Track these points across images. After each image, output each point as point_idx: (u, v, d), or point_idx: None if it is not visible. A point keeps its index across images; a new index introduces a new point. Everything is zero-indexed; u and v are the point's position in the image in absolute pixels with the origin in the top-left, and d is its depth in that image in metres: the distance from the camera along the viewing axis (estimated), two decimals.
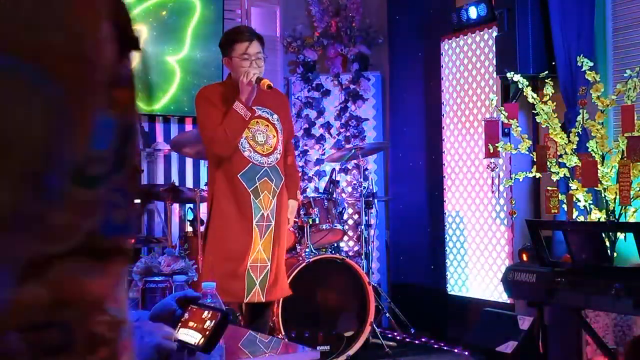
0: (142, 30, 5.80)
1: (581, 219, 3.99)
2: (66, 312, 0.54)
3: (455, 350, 5.13)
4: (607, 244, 3.75)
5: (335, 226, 5.05)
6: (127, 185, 0.59)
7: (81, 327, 0.55)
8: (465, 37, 5.27)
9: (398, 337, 5.41)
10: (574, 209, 3.96)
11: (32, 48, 0.51)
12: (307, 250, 4.76)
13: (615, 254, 3.79)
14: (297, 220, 4.87)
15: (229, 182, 3.74)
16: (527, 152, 4.14)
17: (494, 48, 4.90)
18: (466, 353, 4.89)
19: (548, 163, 3.94)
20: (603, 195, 3.90)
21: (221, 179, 3.77)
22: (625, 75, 3.86)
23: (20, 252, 0.52)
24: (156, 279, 2.11)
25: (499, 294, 4.89)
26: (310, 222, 4.85)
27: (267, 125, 3.82)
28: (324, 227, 4.99)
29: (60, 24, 0.53)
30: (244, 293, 3.72)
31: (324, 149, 6.29)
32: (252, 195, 3.73)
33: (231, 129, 3.66)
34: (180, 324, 1.52)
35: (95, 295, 0.56)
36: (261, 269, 3.77)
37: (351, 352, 4.67)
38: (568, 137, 4.01)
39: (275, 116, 3.84)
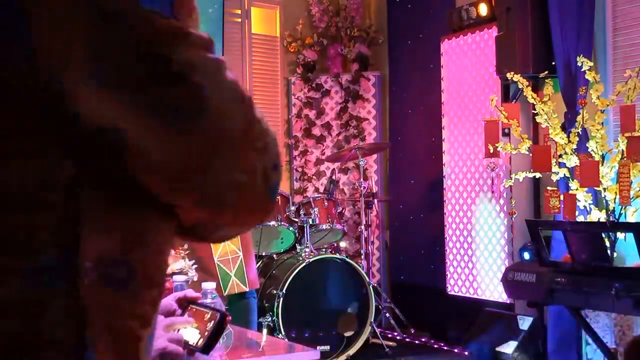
0: None
1: (581, 219, 3.99)
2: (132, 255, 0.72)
3: (455, 350, 5.12)
4: (607, 244, 3.75)
5: (335, 226, 5.04)
6: None
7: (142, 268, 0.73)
8: (465, 37, 5.26)
9: (398, 337, 5.40)
10: (574, 209, 3.96)
11: None
12: (307, 250, 4.76)
13: (615, 254, 3.79)
14: (297, 220, 4.87)
15: None
16: (527, 152, 4.14)
17: (494, 48, 4.90)
18: (466, 353, 4.89)
19: (552, 161, 3.94)
20: (603, 195, 3.90)
21: None
22: (625, 75, 3.86)
23: None
24: None
25: (499, 294, 4.89)
26: (310, 222, 4.85)
27: None
28: (324, 227, 4.98)
29: None
30: (220, 287, 3.70)
31: (324, 149, 6.29)
32: None
33: None
34: None
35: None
36: (234, 261, 3.78)
37: (351, 352, 4.68)
38: (568, 137, 4.01)
39: None
